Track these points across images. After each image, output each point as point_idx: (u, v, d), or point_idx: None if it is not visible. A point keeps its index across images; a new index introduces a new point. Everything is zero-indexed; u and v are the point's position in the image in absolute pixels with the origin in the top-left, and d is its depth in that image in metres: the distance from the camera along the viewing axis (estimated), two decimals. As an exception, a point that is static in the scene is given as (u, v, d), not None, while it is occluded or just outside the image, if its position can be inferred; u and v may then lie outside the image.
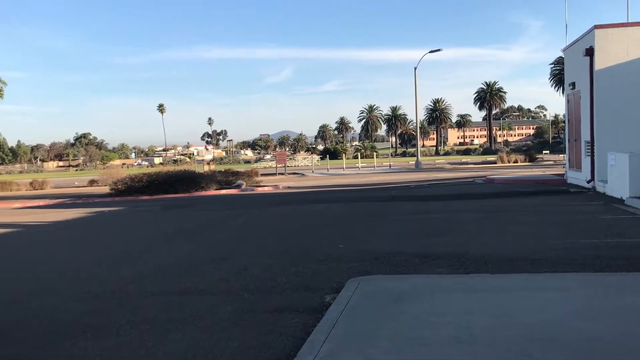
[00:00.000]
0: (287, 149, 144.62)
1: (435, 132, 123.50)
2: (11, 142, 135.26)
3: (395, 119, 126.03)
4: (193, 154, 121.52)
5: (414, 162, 45.85)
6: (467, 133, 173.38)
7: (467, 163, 50.65)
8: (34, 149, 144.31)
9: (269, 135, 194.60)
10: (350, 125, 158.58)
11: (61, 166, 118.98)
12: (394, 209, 15.41)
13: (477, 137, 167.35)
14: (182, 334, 5.27)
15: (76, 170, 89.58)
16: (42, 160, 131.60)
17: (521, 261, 7.62)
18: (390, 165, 47.90)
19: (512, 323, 4.89)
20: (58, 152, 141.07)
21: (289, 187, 27.19)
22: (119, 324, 5.64)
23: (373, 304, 5.69)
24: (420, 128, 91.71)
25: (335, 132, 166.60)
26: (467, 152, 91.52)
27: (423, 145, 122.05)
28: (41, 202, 24.11)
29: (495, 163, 44.58)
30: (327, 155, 60.75)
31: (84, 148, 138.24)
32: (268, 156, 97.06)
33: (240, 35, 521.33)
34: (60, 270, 8.83)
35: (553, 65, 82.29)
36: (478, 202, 15.97)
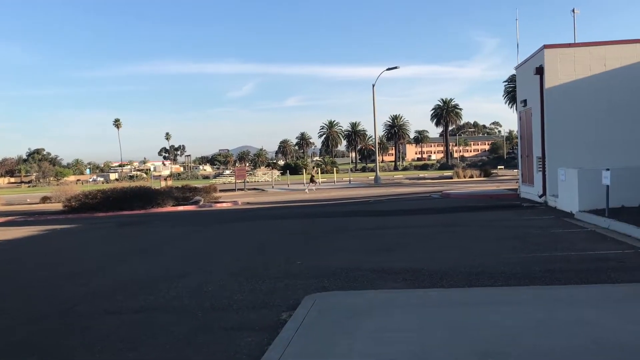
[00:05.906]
0: (248, 164, 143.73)
1: (394, 147, 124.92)
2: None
3: (355, 135, 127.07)
4: (150, 170, 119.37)
5: (374, 177, 46.23)
6: (425, 149, 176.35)
7: (424, 178, 51.39)
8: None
9: (228, 151, 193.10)
10: (311, 140, 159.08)
11: (13, 182, 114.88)
12: (353, 224, 15.47)
13: (435, 152, 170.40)
14: (136, 353, 5.13)
15: (29, 186, 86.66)
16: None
17: (476, 275, 7.74)
18: (350, 181, 48.15)
19: (467, 338, 4.94)
20: (9, 168, 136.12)
21: (248, 203, 27.01)
22: (71, 345, 5.45)
23: (329, 320, 5.67)
24: (379, 144, 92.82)
25: (296, 147, 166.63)
26: (424, 168, 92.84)
27: (382, 161, 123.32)
28: (-11, 220, 23.22)
29: (452, 178, 45.27)
30: (288, 171, 60.52)
31: (37, 164, 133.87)
32: (227, 172, 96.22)
33: (202, 50, 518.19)
34: (3, 292, 8.50)
35: (507, 83, 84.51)
36: (434, 217, 16.20)
